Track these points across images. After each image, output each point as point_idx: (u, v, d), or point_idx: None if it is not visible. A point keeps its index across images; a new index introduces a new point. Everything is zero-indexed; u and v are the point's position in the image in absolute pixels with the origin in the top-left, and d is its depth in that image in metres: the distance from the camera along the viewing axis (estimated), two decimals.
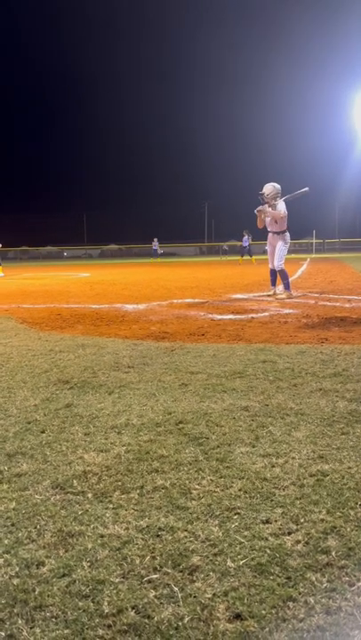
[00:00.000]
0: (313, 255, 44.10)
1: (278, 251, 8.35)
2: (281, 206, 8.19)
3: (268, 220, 8.36)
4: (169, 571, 1.42)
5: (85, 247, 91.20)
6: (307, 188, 8.50)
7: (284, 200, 8.26)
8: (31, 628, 1.23)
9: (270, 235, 8.52)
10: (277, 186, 8.29)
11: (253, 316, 6.17)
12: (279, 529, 1.60)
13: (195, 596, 1.32)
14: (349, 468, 1.99)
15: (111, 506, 1.77)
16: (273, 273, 8.69)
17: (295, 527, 1.61)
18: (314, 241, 53.11)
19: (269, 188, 8.27)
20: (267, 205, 8.20)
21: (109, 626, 1.23)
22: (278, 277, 8.55)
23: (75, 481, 1.95)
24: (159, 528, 1.63)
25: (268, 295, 8.57)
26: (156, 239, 43.59)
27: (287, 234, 8.43)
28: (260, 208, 8.30)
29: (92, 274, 20.85)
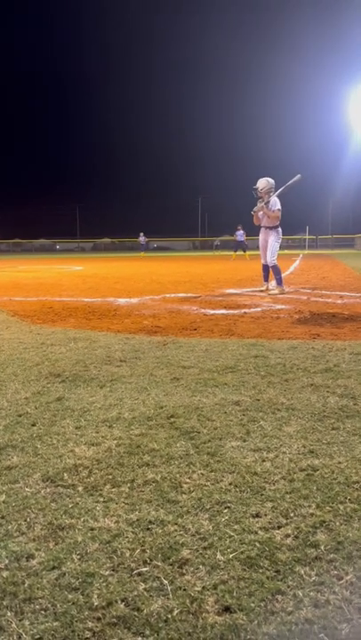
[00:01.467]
0: (306, 251, 44.19)
1: (271, 246, 8.36)
2: (276, 203, 8.21)
3: (260, 213, 8.38)
4: (159, 564, 1.43)
5: (78, 240, 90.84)
6: (299, 176, 8.48)
7: (279, 193, 8.26)
8: (20, 621, 1.23)
9: (262, 229, 8.53)
10: (271, 180, 8.30)
11: (246, 311, 6.18)
12: (269, 523, 1.61)
13: (184, 589, 1.32)
14: (339, 462, 2.01)
15: (102, 499, 1.77)
16: (265, 268, 8.70)
17: (285, 521, 1.62)
18: (307, 237, 53.23)
19: (263, 183, 8.28)
20: (263, 205, 8.20)
21: (99, 618, 1.23)
22: (271, 273, 8.56)
23: (65, 474, 1.95)
24: (149, 521, 1.63)
25: (261, 290, 8.58)
26: (142, 233, 42.84)
27: (279, 229, 8.45)
28: (256, 209, 8.31)
29: (84, 267, 20.77)
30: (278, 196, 8.29)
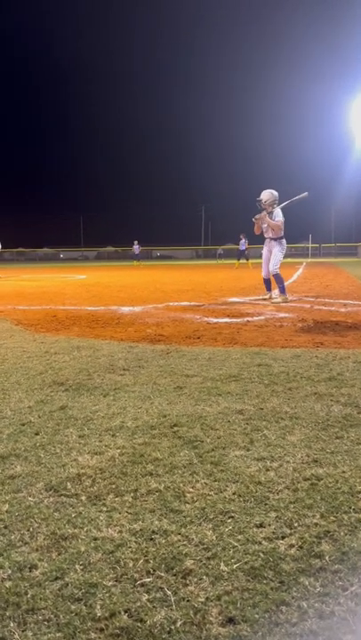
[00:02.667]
0: (309, 259, 44.22)
1: (274, 256, 8.41)
2: (278, 214, 8.25)
3: (264, 226, 8.42)
4: (162, 574, 1.42)
5: (82, 249, 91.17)
6: (306, 193, 8.55)
7: (283, 206, 8.31)
8: (23, 632, 1.22)
9: (267, 240, 8.57)
10: (275, 192, 8.35)
11: (249, 319, 6.18)
12: (273, 533, 1.60)
13: (188, 600, 1.31)
14: (343, 472, 1.99)
15: (105, 509, 1.77)
16: (267, 281, 8.74)
17: (289, 531, 1.61)
18: (310, 245, 53.31)
19: (267, 195, 8.32)
20: (265, 213, 8.24)
21: (102, 629, 1.22)
22: (273, 281, 8.58)
23: (68, 483, 1.94)
24: (153, 531, 1.62)
25: (264, 299, 8.58)
26: (136, 241, 41.25)
27: (283, 240, 8.51)
28: (257, 216, 8.35)
29: (88, 276, 20.82)
30: (282, 209, 8.32)
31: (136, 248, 41.07)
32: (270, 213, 8.24)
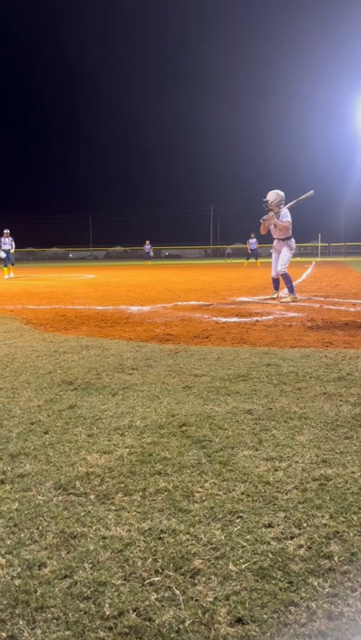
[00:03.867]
0: (318, 259, 44.01)
1: (282, 256, 8.39)
2: (286, 214, 8.22)
3: (272, 227, 8.40)
4: (171, 573, 1.42)
5: (91, 249, 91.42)
6: (312, 192, 8.52)
7: (290, 206, 8.28)
8: (32, 630, 1.23)
9: (275, 241, 8.56)
10: (281, 193, 8.32)
11: (258, 319, 6.17)
12: (282, 533, 1.59)
13: (196, 600, 1.31)
14: (353, 472, 1.98)
15: (113, 508, 1.77)
16: (275, 280, 8.74)
17: (298, 531, 1.60)
18: (319, 244, 53.07)
19: (273, 196, 8.30)
20: (272, 214, 8.22)
21: (110, 628, 1.23)
22: (281, 281, 8.56)
23: (77, 482, 1.95)
24: (161, 530, 1.62)
25: (273, 298, 8.56)
26: (148, 241, 41.59)
27: (292, 240, 8.49)
28: (265, 217, 8.32)
29: (97, 275, 20.88)
30: (289, 209, 8.29)
31: (147, 248, 41.04)
32: (277, 214, 8.21)
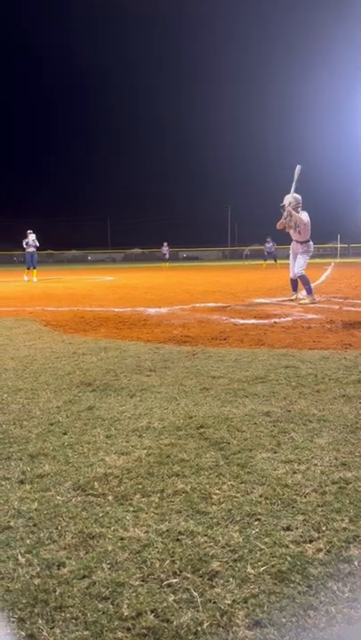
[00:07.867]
0: (337, 260, 43.59)
1: (299, 259, 8.34)
2: (304, 216, 8.16)
3: (291, 231, 8.35)
4: (189, 575, 1.42)
5: (109, 251, 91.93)
6: (299, 166, 8.37)
7: (294, 189, 8.19)
8: (51, 629, 1.24)
9: (293, 243, 8.52)
10: (298, 196, 8.25)
11: (276, 320, 6.13)
12: (300, 536, 1.58)
13: (214, 602, 1.31)
14: None
15: (131, 509, 1.78)
16: (293, 281, 8.68)
17: (317, 535, 1.59)
18: (338, 245, 52.55)
19: (289, 199, 8.23)
20: (289, 209, 8.15)
21: (128, 629, 1.23)
22: (299, 283, 8.50)
23: (96, 483, 1.96)
24: (179, 532, 1.62)
25: (291, 300, 8.51)
26: (165, 243, 41.14)
27: (310, 243, 8.44)
28: (284, 220, 8.22)
29: (115, 277, 21.00)
30: (296, 192, 8.19)
31: (165, 249, 41.08)
32: (292, 217, 8.16)
